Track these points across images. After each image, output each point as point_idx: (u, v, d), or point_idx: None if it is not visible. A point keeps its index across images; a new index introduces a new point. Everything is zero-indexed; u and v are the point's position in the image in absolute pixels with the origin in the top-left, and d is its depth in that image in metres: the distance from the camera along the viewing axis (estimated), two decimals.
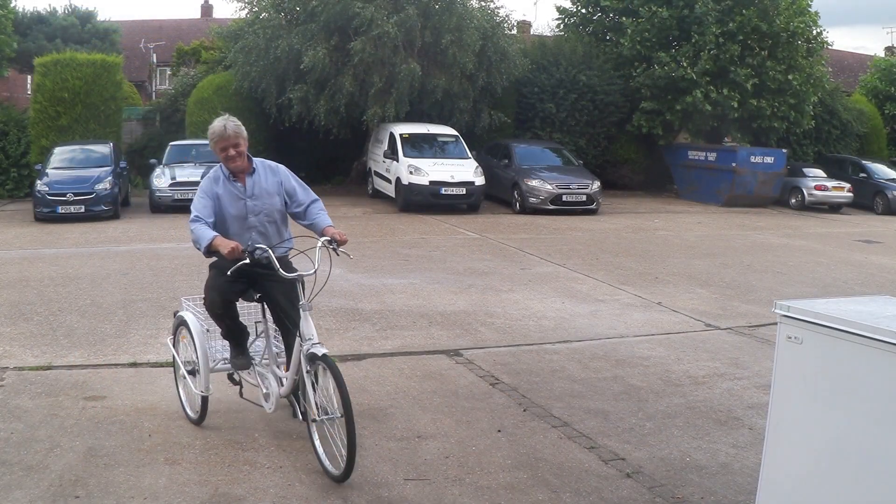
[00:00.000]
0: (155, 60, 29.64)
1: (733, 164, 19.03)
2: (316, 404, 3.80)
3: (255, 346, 4.49)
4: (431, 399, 5.10)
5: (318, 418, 3.82)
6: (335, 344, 6.18)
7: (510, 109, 20.28)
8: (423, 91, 17.49)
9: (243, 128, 4.19)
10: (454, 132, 17.63)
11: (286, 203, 4.32)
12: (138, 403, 4.85)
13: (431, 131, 17.42)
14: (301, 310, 3.91)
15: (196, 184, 16.62)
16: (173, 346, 4.72)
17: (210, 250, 3.96)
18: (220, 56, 21.27)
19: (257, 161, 4.28)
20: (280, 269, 3.95)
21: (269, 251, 3.99)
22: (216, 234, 4.00)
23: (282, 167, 4.38)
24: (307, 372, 3.83)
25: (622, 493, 3.80)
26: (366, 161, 19.16)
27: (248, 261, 3.91)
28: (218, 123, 4.13)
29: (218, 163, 4.31)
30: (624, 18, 20.85)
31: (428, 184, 15.73)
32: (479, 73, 18.19)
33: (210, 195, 4.17)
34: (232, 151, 4.11)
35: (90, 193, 14.11)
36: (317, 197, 4.37)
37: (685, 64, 19.23)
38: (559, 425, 4.69)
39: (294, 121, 18.08)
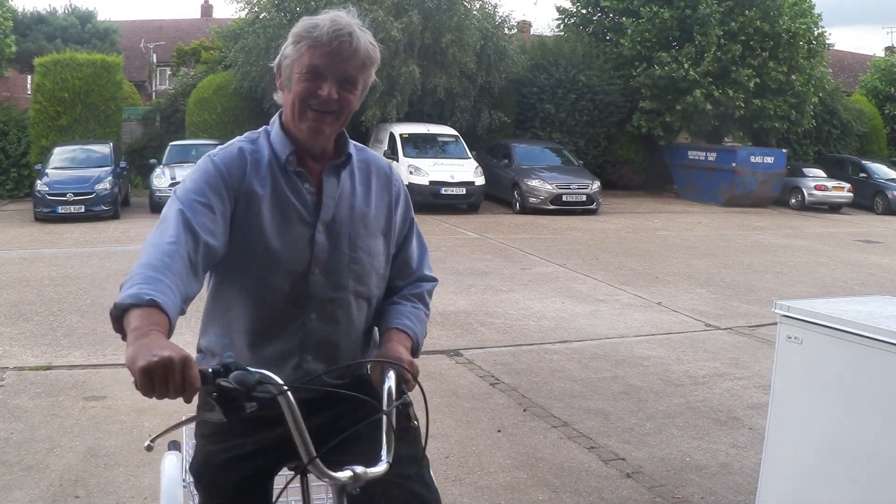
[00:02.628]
0: (155, 60, 29.64)
1: (733, 164, 19.04)
2: None
3: None
4: (431, 399, 5.04)
5: None
6: None
7: (510, 109, 20.30)
8: (423, 91, 17.51)
9: (377, 53, 1.77)
10: (454, 132, 17.65)
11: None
12: (138, 403, 4.84)
13: (431, 131, 17.44)
14: None
15: None
16: None
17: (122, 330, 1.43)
18: (220, 56, 21.28)
19: (355, 146, 1.88)
20: (306, 442, 1.46)
21: (285, 389, 1.42)
22: (158, 292, 1.45)
23: (399, 176, 1.97)
24: None
25: (622, 493, 3.80)
26: None
27: (217, 412, 1.35)
28: (324, 17, 1.70)
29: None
30: (624, 19, 20.88)
31: (428, 184, 15.76)
32: (478, 73, 18.22)
33: (220, 191, 1.68)
34: (328, 91, 1.69)
35: (90, 193, 14.12)
36: (434, 277, 2.01)
37: (687, 65, 19.26)
38: (559, 425, 4.69)
39: None
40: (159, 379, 1.27)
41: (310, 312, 1.79)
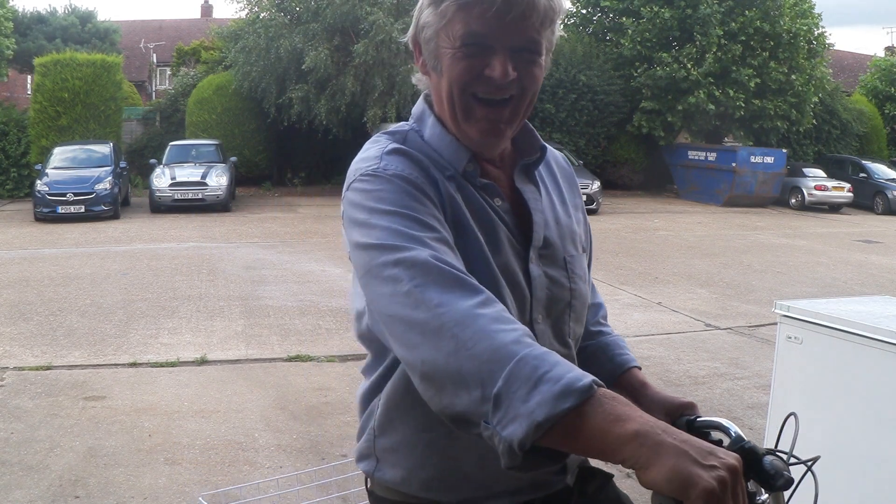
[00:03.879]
0: (155, 60, 29.66)
1: (733, 164, 19.05)
2: None
3: None
4: None
5: None
6: (335, 344, 6.18)
7: None
8: None
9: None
10: None
11: None
12: (138, 403, 4.85)
13: None
14: None
15: (197, 184, 16.59)
16: None
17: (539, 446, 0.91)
18: (220, 56, 21.30)
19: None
20: None
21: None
22: (583, 372, 0.92)
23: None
24: None
25: None
26: None
27: None
28: None
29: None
30: (624, 19, 20.90)
31: None
32: None
33: (439, 217, 1.13)
34: (500, 69, 1.14)
35: (90, 193, 14.13)
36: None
37: (689, 65, 19.28)
38: None
39: (294, 120, 18.14)
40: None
41: None
